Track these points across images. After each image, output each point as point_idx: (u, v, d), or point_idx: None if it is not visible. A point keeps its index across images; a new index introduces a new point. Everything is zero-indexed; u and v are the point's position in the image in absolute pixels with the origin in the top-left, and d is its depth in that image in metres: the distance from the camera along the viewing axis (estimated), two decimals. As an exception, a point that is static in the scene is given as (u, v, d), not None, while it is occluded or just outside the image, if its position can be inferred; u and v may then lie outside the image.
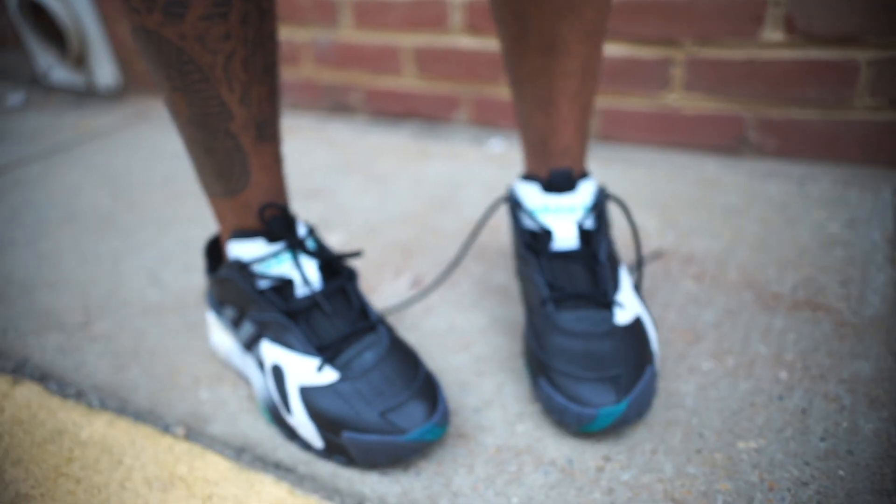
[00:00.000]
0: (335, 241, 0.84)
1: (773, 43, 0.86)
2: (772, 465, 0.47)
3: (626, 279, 0.57)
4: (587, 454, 0.50)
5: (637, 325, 0.54)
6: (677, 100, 0.95)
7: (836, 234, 0.74)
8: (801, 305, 0.63)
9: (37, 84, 1.59)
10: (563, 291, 0.55)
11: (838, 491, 0.45)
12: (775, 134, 0.91)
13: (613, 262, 0.57)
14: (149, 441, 0.55)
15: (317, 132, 1.23)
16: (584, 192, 0.58)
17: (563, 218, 0.58)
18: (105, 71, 1.46)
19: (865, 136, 0.86)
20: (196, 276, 0.79)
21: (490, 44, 1.06)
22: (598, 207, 0.58)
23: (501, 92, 1.09)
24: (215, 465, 0.52)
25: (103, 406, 0.60)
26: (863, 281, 0.66)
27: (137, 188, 1.04)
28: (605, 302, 0.54)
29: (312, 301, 0.54)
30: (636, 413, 0.49)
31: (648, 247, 0.76)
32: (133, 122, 1.35)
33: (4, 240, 0.89)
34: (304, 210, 0.93)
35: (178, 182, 1.05)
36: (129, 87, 1.49)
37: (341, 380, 0.50)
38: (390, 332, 0.55)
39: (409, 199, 0.93)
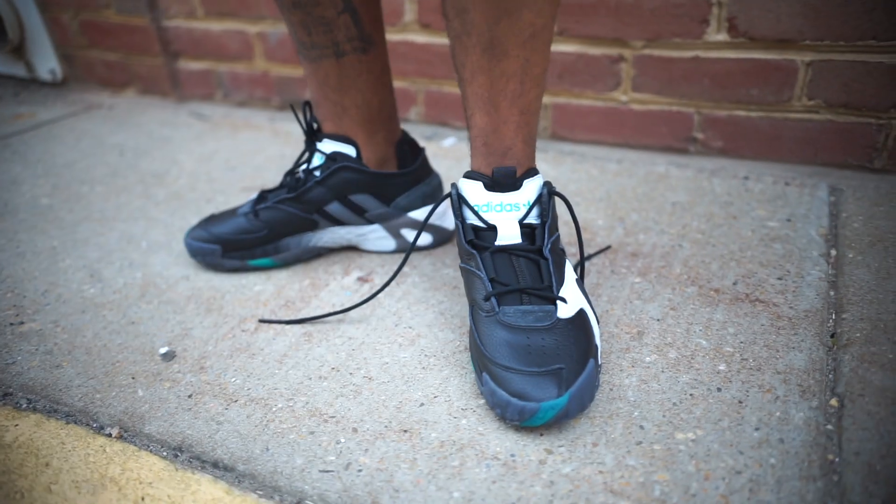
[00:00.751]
0: (284, 237, 0.82)
1: (717, 43, 0.88)
2: (708, 454, 0.48)
3: (570, 274, 0.58)
4: (529, 448, 0.50)
5: (580, 318, 0.54)
6: (627, 98, 0.97)
7: (775, 230, 0.76)
8: (742, 299, 0.65)
9: (-25, 73, 1.52)
10: (506, 286, 0.55)
11: (769, 478, 0.46)
12: (721, 132, 0.93)
13: (558, 258, 0.57)
14: (80, 442, 0.53)
15: (269, 126, 1.20)
16: (529, 190, 0.58)
17: (506, 215, 0.58)
18: (45, 61, 1.41)
19: (804, 135, 0.88)
20: (139, 273, 0.77)
21: (443, 40, 1.05)
22: (543, 204, 0.58)
23: (456, 88, 1.09)
24: (150, 465, 0.51)
25: (32, 407, 0.58)
26: (799, 275, 0.67)
27: (79, 182, 1.00)
28: (549, 296, 0.54)
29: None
30: (578, 407, 0.50)
31: (597, 243, 0.77)
32: (75, 114, 1.30)
33: (-68, 234, 0.85)
34: (254, 205, 0.91)
35: (122, 176, 1.02)
36: (71, 79, 1.44)
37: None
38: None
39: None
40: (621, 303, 0.66)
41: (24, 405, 0.58)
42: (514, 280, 0.56)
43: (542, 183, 0.59)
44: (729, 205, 0.82)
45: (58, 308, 0.71)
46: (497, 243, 0.57)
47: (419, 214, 0.76)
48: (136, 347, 0.64)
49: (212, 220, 0.77)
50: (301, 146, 1.11)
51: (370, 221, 0.76)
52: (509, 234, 0.57)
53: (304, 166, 0.74)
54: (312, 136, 0.74)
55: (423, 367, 0.59)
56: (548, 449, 0.50)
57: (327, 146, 0.72)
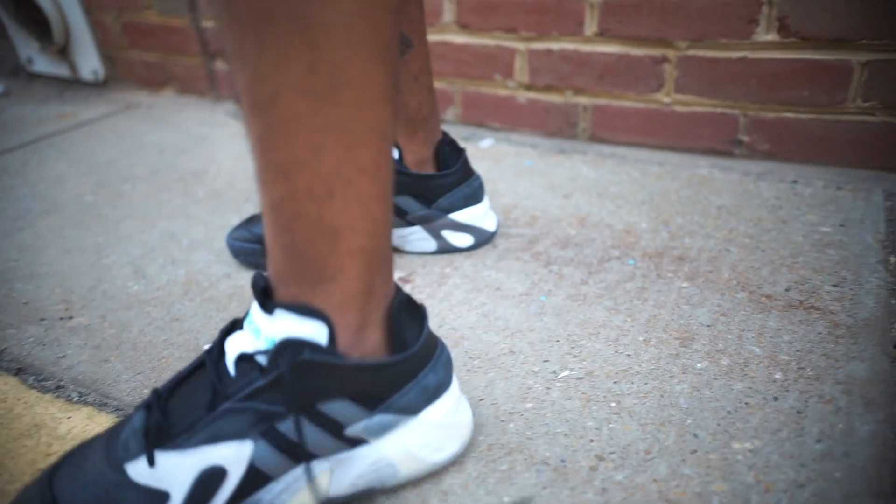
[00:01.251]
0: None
1: (766, 43, 0.86)
2: (767, 466, 0.47)
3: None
4: (579, 454, 0.49)
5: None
6: (669, 100, 0.95)
7: (828, 236, 0.74)
8: (795, 306, 0.63)
9: (19, 73, 1.56)
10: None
11: (835, 493, 0.44)
12: (768, 135, 0.91)
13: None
14: (130, 437, 0.54)
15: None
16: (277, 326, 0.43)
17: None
18: (88, 61, 1.43)
19: (858, 137, 0.86)
20: (181, 270, 0.77)
21: (481, 40, 1.05)
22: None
23: (493, 89, 1.08)
24: (199, 463, 0.51)
25: (83, 400, 0.58)
26: (856, 282, 0.65)
27: (122, 180, 1.02)
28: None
29: None
30: None
31: (642, 246, 0.76)
32: (117, 114, 1.33)
33: (-17, 230, 0.87)
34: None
35: (162, 174, 1.03)
36: (112, 79, 1.46)
37: None
38: None
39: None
40: (669, 307, 0.65)
41: (76, 398, 0.58)
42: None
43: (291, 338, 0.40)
44: (777, 209, 0.80)
45: (104, 303, 0.72)
46: None
47: (461, 216, 0.75)
48: (180, 344, 0.65)
49: (253, 219, 0.77)
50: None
51: (411, 223, 0.75)
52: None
53: None
54: None
55: (468, 370, 0.59)
56: (599, 455, 0.49)
57: None
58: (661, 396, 0.54)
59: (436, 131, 0.75)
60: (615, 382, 0.56)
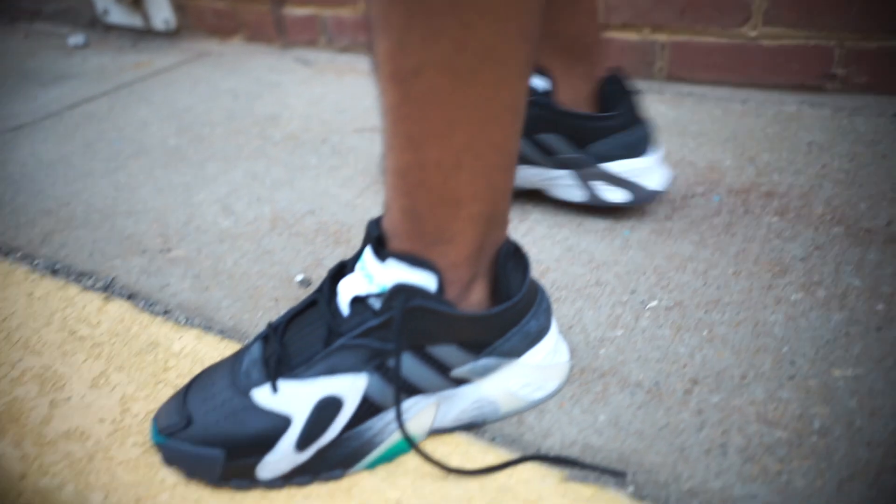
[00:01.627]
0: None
1: (867, -31, 0.81)
2: (872, 392, 0.46)
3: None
4: (673, 378, 0.50)
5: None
6: (756, 34, 0.91)
7: (929, 171, 0.71)
8: None
9: (95, 25, 1.61)
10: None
11: (944, 416, 0.44)
12: (867, 67, 0.86)
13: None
14: (237, 356, 0.57)
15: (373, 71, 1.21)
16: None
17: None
18: (160, 11, 1.46)
19: (963, 69, 0.81)
20: (266, 207, 0.80)
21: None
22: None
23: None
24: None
25: (190, 323, 0.62)
26: (962, 216, 0.63)
27: (201, 124, 1.05)
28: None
29: None
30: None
31: (727, 183, 0.74)
32: (190, 62, 1.36)
33: (83, 170, 0.91)
34: (371, 145, 0.93)
35: (238, 119, 1.06)
36: (183, 28, 1.49)
37: None
38: None
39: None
40: (759, 241, 0.64)
41: (184, 321, 0.62)
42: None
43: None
44: (876, 143, 0.77)
45: (198, 238, 0.75)
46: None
47: (616, 167, 0.66)
48: (273, 275, 0.68)
49: None
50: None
51: (560, 166, 0.69)
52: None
53: None
54: None
55: (556, 300, 0.60)
56: (693, 379, 0.50)
57: None
58: (755, 326, 0.54)
59: (599, 65, 0.67)
60: (706, 312, 0.56)
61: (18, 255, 0.74)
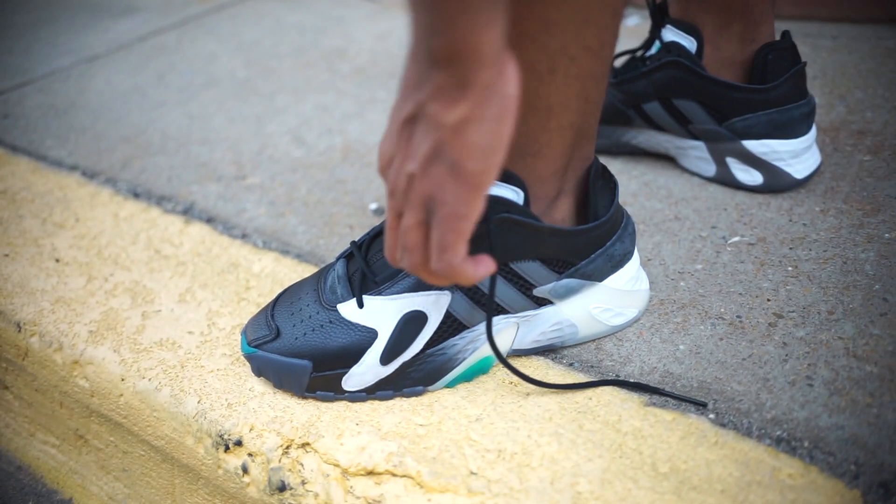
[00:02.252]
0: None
1: None
2: (971, 330, 0.45)
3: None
4: (756, 311, 0.49)
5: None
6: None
7: None
8: None
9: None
10: None
11: None
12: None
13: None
14: (315, 277, 0.59)
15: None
16: None
17: None
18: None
19: None
20: (338, 138, 0.81)
21: None
22: None
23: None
24: (380, 301, 0.55)
25: (268, 247, 0.64)
26: None
27: (268, 57, 1.05)
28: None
29: None
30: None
31: (816, 121, 0.70)
32: (254, -3, 1.35)
33: (157, 100, 0.93)
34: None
35: (305, 52, 1.06)
36: (247, -37, 1.48)
37: None
38: None
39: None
40: (849, 180, 0.61)
41: (261, 245, 0.64)
42: None
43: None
44: (983, 80, 0.72)
45: (271, 166, 0.77)
46: None
47: (756, 147, 0.59)
48: (347, 203, 0.69)
49: None
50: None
51: (694, 136, 0.63)
52: None
53: (640, 52, 0.64)
54: (658, 18, 0.61)
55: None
56: (777, 313, 0.49)
57: (668, 34, 0.60)
58: (844, 263, 0.52)
59: (762, 28, 0.59)
60: (790, 248, 0.54)
61: (102, 178, 0.77)
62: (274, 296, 0.56)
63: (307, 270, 0.60)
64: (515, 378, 0.46)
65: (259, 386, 0.48)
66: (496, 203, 0.41)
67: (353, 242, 0.48)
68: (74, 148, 0.83)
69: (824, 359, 0.45)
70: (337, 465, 0.42)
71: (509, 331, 0.47)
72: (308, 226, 0.66)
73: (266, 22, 1.20)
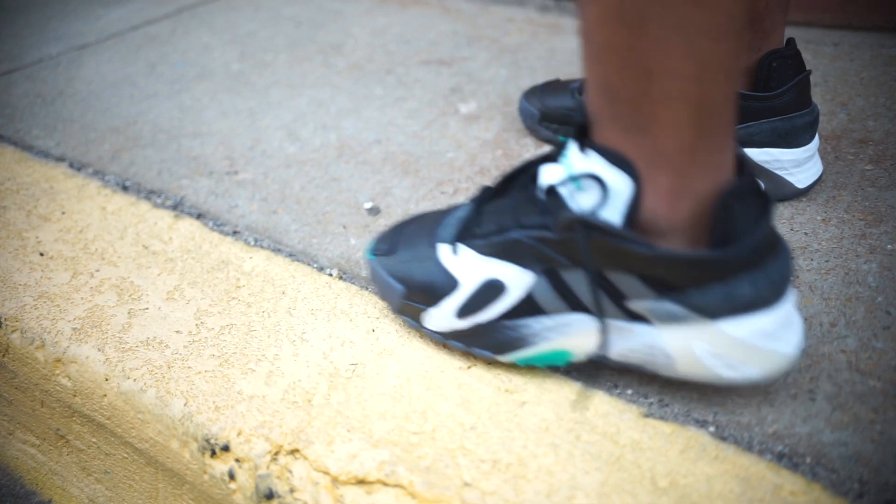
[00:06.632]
0: (469, 110, 0.82)
1: None
2: (975, 346, 0.44)
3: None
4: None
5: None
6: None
7: None
8: None
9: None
10: None
11: None
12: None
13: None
14: (307, 277, 0.57)
15: (438, 3, 1.17)
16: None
17: None
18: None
19: None
20: (332, 135, 0.79)
21: None
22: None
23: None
24: (374, 303, 0.54)
25: (259, 244, 0.62)
26: None
27: (263, 50, 1.04)
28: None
29: None
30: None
31: (819, 130, 0.70)
32: (250, -11, 1.33)
33: (148, 91, 0.91)
34: (436, 77, 0.90)
35: (301, 46, 1.04)
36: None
37: None
38: None
39: (542, 72, 0.89)
40: (850, 189, 0.60)
41: (253, 242, 0.63)
42: None
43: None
44: (985, 91, 0.71)
45: (264, 162, 0.75)
46: None
47: (758, 155, 0.58)
48: (341, 201, 0.67)
49: (548, 87, 0.74)
50: (474, 23, 1.07)
51: None
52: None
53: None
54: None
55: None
56: (779, 325, 0.48)
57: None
58: (846, 274, 0.51)
59: (773, 35, 0.57)
60: (792, 258, 0.53)
61: (90, 170, 0.75)
62: (265, 295, 0.55)
63: (299, 269, 0.58)
64: (511, 385, 0.45)
65: (248, 389, 0.47)
66: (590, 226, 0.37)
67: (487, 187, 0.46)
68: (62, 138, 0.81)
69: (827, 372, 0.44)
70: (327, 473, 0.41)
71: (594, 335, 0.42)
72: (301, 224, 0.65)
73: (262, 14, 1.19)
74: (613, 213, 0.38)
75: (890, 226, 0.55)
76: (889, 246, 0.53)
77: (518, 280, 0.43)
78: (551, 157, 0.42)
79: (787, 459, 0.39)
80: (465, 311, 0.45)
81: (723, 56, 0.34)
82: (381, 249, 0.50)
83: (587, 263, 0.38)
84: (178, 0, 1.25)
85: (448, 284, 0.45)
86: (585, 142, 0.38)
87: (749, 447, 0.40)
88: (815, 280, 0.51)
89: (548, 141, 0.73)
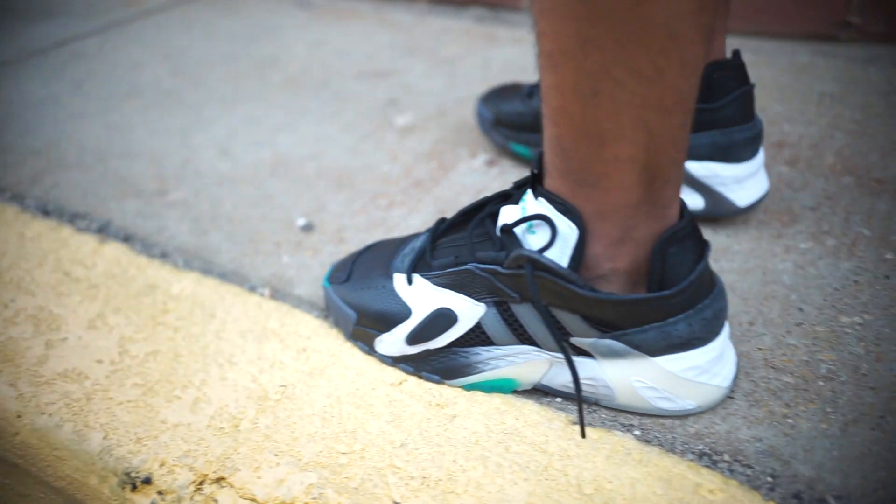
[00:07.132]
0: (405, 122, 0.82)
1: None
2: (879, 338, 0.46)
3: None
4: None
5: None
6: (771, -21, 0.88)
7: (943, 123, 0.69)
8: (906, 191, 0.60)
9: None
10: None
11: (953, 363, 0.43)
12: (885, 14, 0.83)
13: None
14: (238, 298, 0.56)
15: (375, 15, 1.17)
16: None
17: None
18: (152, -52, 1.40)
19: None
20: (266, 151, 0.78)
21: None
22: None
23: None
24: (306, 322, 0.53)
25: (189, 266, 0.61)
26: (975, 168, 0.62)
27: (196, 66, 1.02)
28: None
29: None
30: None
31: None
32: (183, 3, 1.31)
33: (73, 111, 0.89)
34: (373, 90, 0.90)
35: (236, 61, 1.02)
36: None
37: None
38: None
39: (478, 82, 0.90)
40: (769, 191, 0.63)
41: (182, 264, 0.61)
42: None
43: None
44: (889, 94, 0.75)
45: (196, 181, 0.73)
46: None
47: (697, 169, 0.56)
48: (275, 218, 0.66)
49: (504, 91, 0.74)
50: (411, 35, 1.08)
51: None
52: None
53: None
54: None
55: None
56: (700, 326, 0.49)
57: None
58: (763, 274, 0.53)
59: (712, 44, 0.55)
60: (714, 260, 0.55)
61: (8, 195, 0.72)
62: (193, 319, 0.54)
63: (230, 291, 0.57)
64: (443, 400, 0.45)
65: (172, 417, 0.46)
66: (536, 264, 0.39)
67: (443, 219, 0.48)
68: (-20, 162, 0.78)
69: (744, 370, 0.45)
70: (254, 500, 0.40)
71: (540, 366, 0.44)
72: (232, 243, 0.63)
73: (195, 30, 1.16)
74: (561, 255, 0.40)
75: (804, 225, 0.58)
76: (802, 245, 0.56)
77: (469, 311, 0.44)
78: (510, 197, 0.44)
79: (707, 458, 0.40)
80: (415, 338, 0.46)
81: (673, 128, 0.37)
82: (338, 278, 0.51)
83: (535, 300, 0.40)
84: (107, 15, 1.22)
85: (402, 313, 0.46)
86: (539, 189, 0.41)
87: (672, 448, 0.41)
88: (735, 281, 0.53)
89: (500, 145, 0.73)
